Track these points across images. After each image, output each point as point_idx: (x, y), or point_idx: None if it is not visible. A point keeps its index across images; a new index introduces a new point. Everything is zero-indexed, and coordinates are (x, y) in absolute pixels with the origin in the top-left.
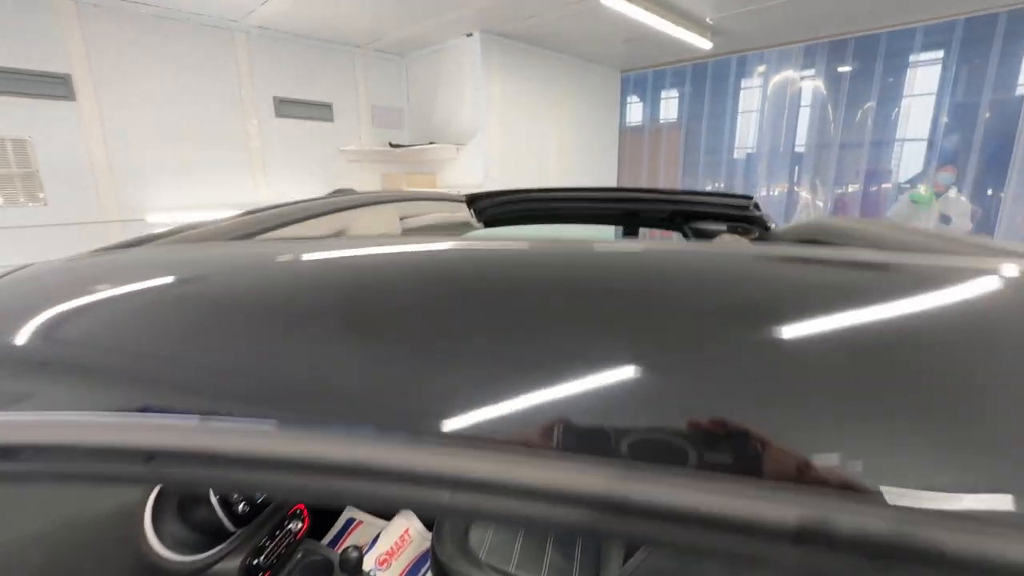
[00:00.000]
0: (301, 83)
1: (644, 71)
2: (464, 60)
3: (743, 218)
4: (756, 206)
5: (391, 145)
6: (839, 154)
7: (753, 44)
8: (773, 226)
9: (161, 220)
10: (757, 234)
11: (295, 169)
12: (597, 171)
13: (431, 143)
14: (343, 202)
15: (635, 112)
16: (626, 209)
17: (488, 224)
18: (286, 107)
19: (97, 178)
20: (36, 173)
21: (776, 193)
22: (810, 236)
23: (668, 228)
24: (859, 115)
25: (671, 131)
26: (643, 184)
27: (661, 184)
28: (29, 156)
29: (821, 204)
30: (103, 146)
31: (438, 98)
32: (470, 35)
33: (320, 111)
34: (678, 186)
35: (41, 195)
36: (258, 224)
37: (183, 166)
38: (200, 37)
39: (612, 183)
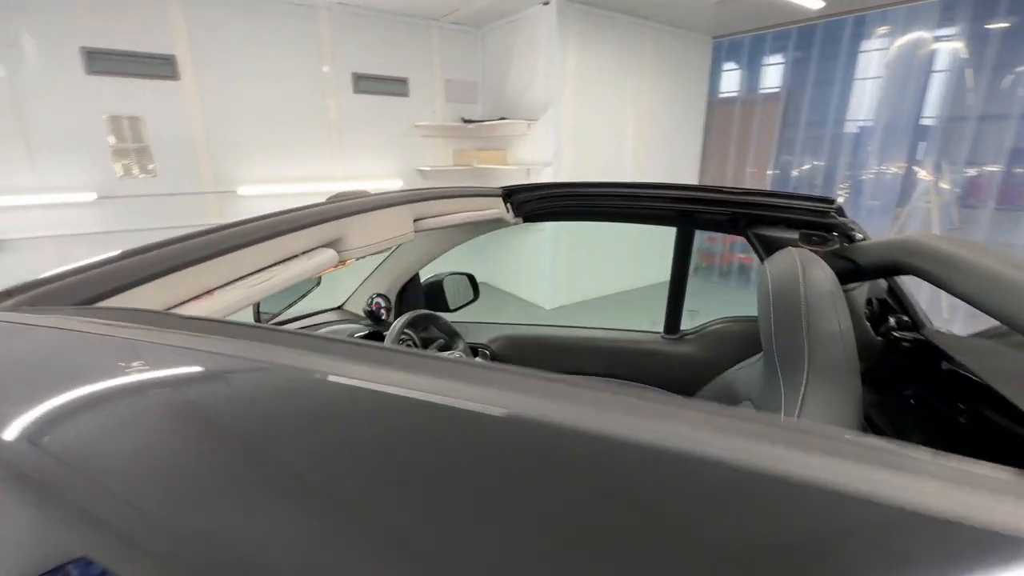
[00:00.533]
0: (378, 58)
1: (740, 36)
2: (540, 30)
3: (820, 225)
4: (839, 211)
5: (463, 120)
6: (977, 128)
7: (876, 1)
8: (860, 237)
9: (250, 192)
10: (836, 245)
11: (370, 145)
12: (678, 147)
13: (502, 118)
14: (332, 210)
15: (727, 82)
16: (680, 209)
17: (527, 220)
18: (364, 83)
19: (197, 152)
20: (148, 148)
21: (890, 174)
22: (899, 259)
23: (728, 232)
24: (1008, 81)
25: (768, 102)
26: (730, 163)
27: (751, 162)
28: (142, 132)
29: (947, 187)
30: (203, 122)
31: (512, 71)
32: (547, 3)
33: (396, 86)
34: (771, 164)
35: (151, 167)
36: (226, 241)
37: (269, 142)
38: (286, 16)
39: (695, 160)
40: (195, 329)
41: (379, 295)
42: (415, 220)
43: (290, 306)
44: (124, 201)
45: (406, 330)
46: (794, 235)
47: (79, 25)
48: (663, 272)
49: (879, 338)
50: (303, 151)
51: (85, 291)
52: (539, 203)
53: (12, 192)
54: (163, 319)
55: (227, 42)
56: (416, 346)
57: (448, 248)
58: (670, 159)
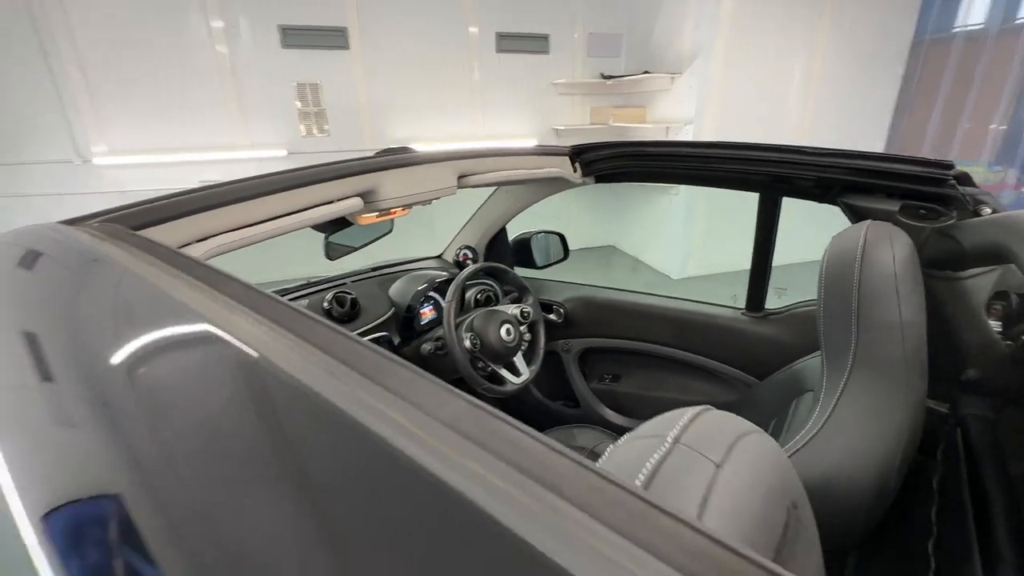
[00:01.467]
0: (520, 16)
1: None
2: None
3: (930, 196)
4: (962, 179)
5: (602, 76)
6: None
7: None
8: (988, 212)
9: None
10: (951, 220)
11: (509, 104)
12: (861, 102)
13: (645, 72)
14: (368, 164)
15: (946, 14)
16: (757, 172)
17: (599, 180)
18: (506, 42)
19: (360, 114)
20: (324, 111)
21: None
22: (1000, 241)
23: (819, 200)
24: None
25: (1004, 38)
26: (936, 119)
27: (967, 116)
28: (320, 97)
29: None
30: (365, 87)
31: (659, 19)
32: None
33: (536, 43)
34: (998, 118)
35: (326, 127)
36: (281, 183)
37: (419, 103)
38: None
39: (883, 117)
40: (184, 269)
41: (467, 247)
42: (460, 176)
43: (361, 247)
44: (306, 157)
45: (478, 281)
46: (894, 206)
47: (278, 5)
48: (815, 249)
49: (1007, 341)
50: (449, 111)
51: (138, 219)
52: (609, 163)
53: (231, 148)
54: (169, 255)
55: (388, 11)
56: (494, 299)
57: (528, 205)
58: (847, 116)
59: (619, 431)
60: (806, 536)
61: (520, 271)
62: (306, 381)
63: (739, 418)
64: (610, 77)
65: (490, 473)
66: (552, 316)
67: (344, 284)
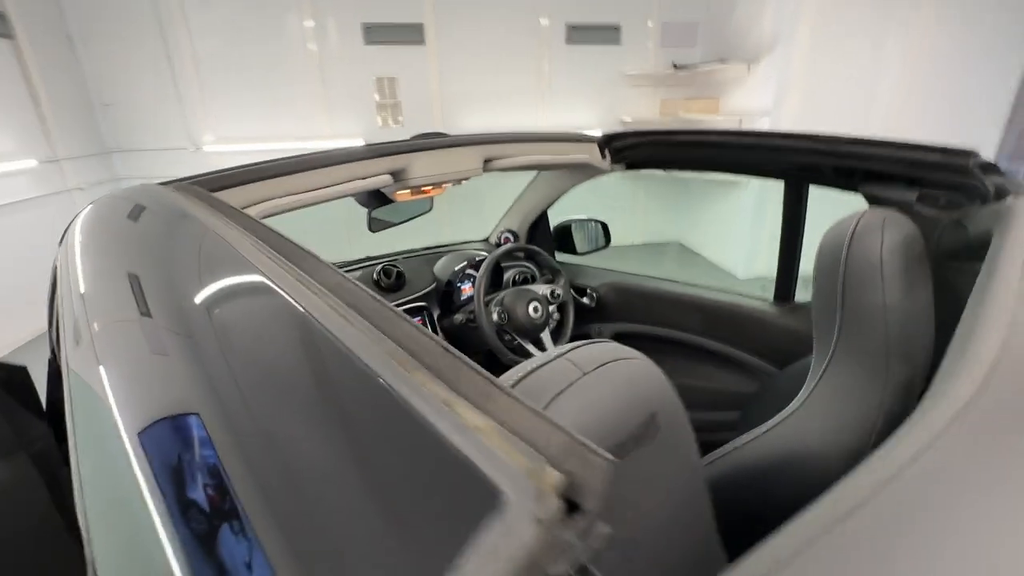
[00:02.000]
0: (592, 7)
1: None
2: None
3: (950, 184)
4: (986, 167)
5: (674, 66)
6: None
7: None
8: (1011, 199)
9: None
10: (969, 208)
11: (576, 96)
12: (967, 93)
13: (721, 61)
14: (402, 146)
15: None
16: (786, 161)
17: (629, 167)
18: (576, 33)
19: (432, 106)
20: (399, 103)
21: None
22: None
23: (843, 188)
24: None
25: None
26: None
27: None
28: (396, 90)
29: None
30: (437, 80)
31: (739, 5)
32: None
33: (607, 34)
34: None
35: (401, 119)
36: (324, 160)
37: (488, 94)
38: None
39: (998, 110)
40: (244, 225)
41: (509, 231)
42: (486, 160)
43: (400, 223)
44: None
45: (517, 263)
46: (912, 195)
47: (362, 4)
48: None
49: None
50: (517, 102)
51: (214, 184)
52: (638, 150)
53: (316, 138)
54: (233, 213)
55: (463, 6)
56: (530, 280)
57: (564, 190)
58: (954, 109)
59: None
60: (665, 445)
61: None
62: (326, 324)
63: (631, 350)
64: (682, 67)
65: (423, 382)
66: (585, 300)
67: (395, 259)
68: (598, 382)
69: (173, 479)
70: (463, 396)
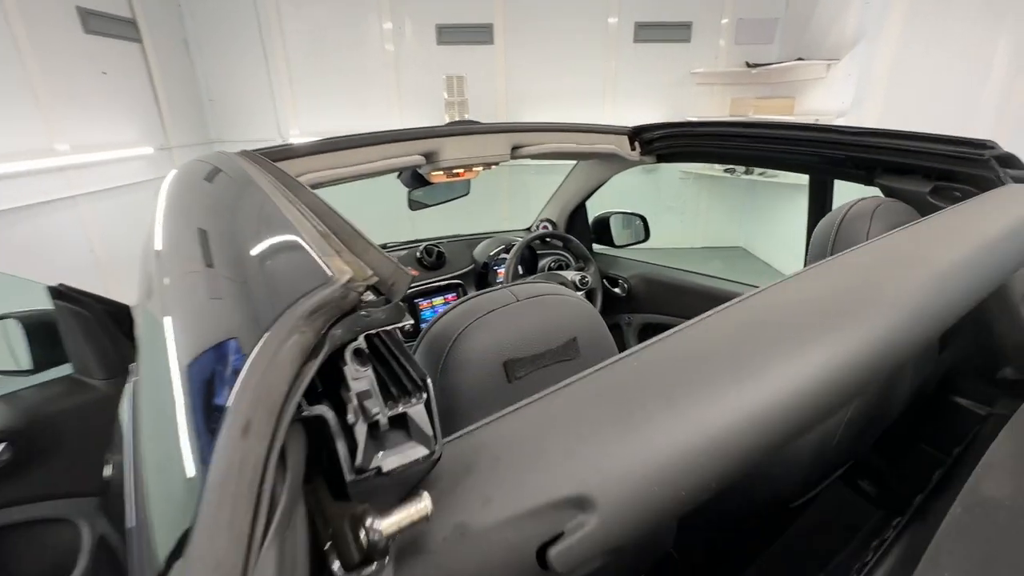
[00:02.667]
0: (664, 4)
1: None
2: None
3: (967, 177)
4: (1005, 160)
5: (747, 65)
6: None
7: None
8: None
9: None
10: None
11: (641, 95)
12: None
13: (799, 59)
14: (435, 130)
15: None
16: (808, 153)
17: (660, 159)
18: (645, 31)
19: (498, 104)
20: (466, 101)
21: None
22: None
23: (863, 181)
24: None
25: None
26: None
27: None
28: (464, 88)
29: None
30: (504, 79)
31: (822, 1)
32: None
33: (677, 32)
34: None
35: (467, 115)
36: (367, 140)
37: (553, 92)
38: None
39: None
40: (295, 191)
41: (547, 220)
42: (514, 147)
43: (436, 204)
44: None
45: (553, 251)
46: (926, 187)
47: (436, 7)
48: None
49: None
50: (581, 100)
51: (276, 155)
52: (666, 142)
53: None
54: (288, 180)
55: (531, 6)
56: (565, 267)
57: (600, 182)
58: None
59: None
60: (586, 365)
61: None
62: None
63: (571, 291)
64: (755, 65)
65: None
66: (617, 290)
67: (438, 241)
68: (529, 309)
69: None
70: (340, 238)
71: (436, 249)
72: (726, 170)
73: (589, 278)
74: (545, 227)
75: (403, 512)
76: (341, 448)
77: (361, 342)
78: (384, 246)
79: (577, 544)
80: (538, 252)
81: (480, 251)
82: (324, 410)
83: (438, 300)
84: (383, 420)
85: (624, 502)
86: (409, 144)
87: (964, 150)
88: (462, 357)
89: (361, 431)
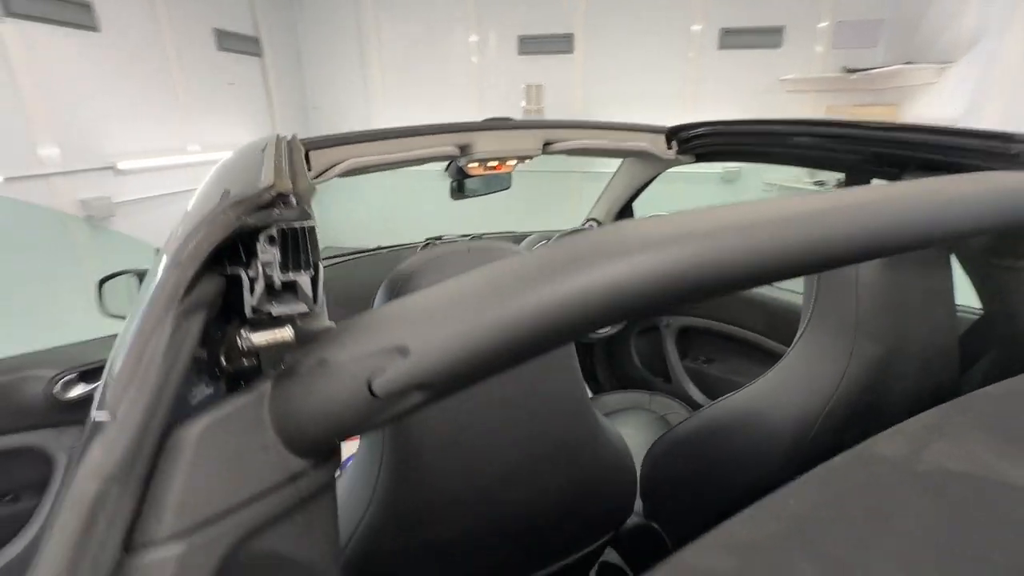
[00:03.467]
0: (752, 9)
1: None
2: None
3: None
4: None
5: (846, 71)
6: None
7: None
8: None
9: None
10: None
11: (726, 103)
12: None
13: (908, 63)
14: (471, 125)
15: None
16: (844, 150)
17: (699, 159)
18: (730, 37)
19: (575, 112)
20: (543, 108)
21: None
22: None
23: (895, 179)
24: None
25: None
26: None
27: None
28: (542, 96)
29: None
30: (582, 87)
31: (935, 1)
32: None
33: (767, 37)
34: None
35: None
36: (396, 132)
37: (631, 100)
38: None
39: None
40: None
41: (593, 219)
42: (545, 143)
43: (476, 195)
44: None
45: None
46: None
47: (518, 19)
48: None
49: None
50: (661, 109)
51: (311, 144)
52: (703, 140)
53: None
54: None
55: (613, 16)
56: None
57: (644, 181)
58: None
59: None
60: None
61: None
62: None
63: (513, 247)
64: (855, 70)
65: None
66: None
67: (487, 235)
68: (477, 256)
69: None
70: (290, 170)
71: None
72: (816, 182)
73: None
74: (591, 226)
75: (269, 333)
76: (246, 294)
77: (273, 231)
78: (439, 238)
79: (393, 376)
80: None
81: (523, 247)
82: (239, 270)
83: None
84: (277, 282)
85: (430, 351)
86: (445, 136)
87: (991, 144)
88: (410, 289)
89: (260, 285)
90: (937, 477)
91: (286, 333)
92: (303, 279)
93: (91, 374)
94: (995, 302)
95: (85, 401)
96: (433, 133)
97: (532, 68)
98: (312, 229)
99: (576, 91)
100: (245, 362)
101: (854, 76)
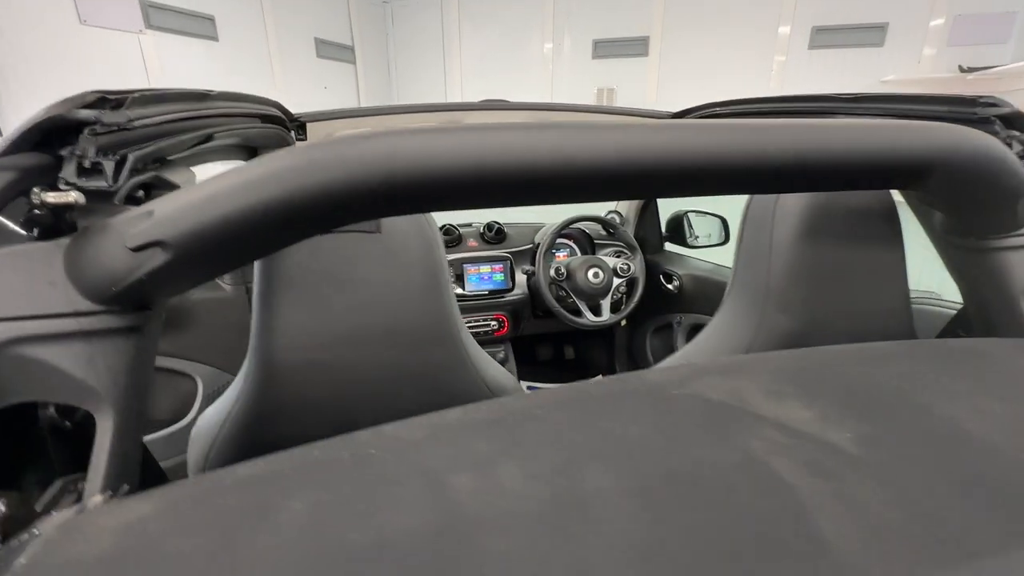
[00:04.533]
0: (849, 5)
1: None
2: None
3: None
4: (1008, 120)
5: (961, 70)
6: None
7: None
8: None
9: None
10: None
11: None
12: None
13: None
14: (475, 105)
15: None
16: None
17: None
18: (824, 36)
19: None
20: None
21: None
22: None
23: None
24: None
25: None
26: None
27: None
28: (614, 99)
29: None
30: (655, 90)
31: None
32: None
33: (867, 35)
34: None
35: None
36: (390, 109)
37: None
38: None
39: None
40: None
41: (615, 212)
42: None
43: None
44: None
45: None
46: None
47: (593, 23)
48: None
49: None
50: None
51: (314, 115)
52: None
53: None
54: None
55: (693, 15)
56: (619, 254)
57: None
58: None
59: None
60: (378, 236)
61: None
62: None
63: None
64: (973, 69)
65: None
66: (670, 286)
67: (508, 223)
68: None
69: None
70: None
71: (497, 225)
72: None
73: (630, 266)
74: (613, 218)
75: (58, 194)
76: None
77: (97, 126)
78: (469, 225)
79: (139, 232)
80: (596, 241)
81: (540, 234)
82: (65, 151)
83: (485, 268)
84: (87, 162)
85: (167, 215)
86: (440, 116)
87: (956, 110)
88: None
89: (72, 163)
90: (686, 401)
91: (71, 196)
92: (108, 163)
93: None
94: (967, 292)
95: None
96: (427, 111)
97: (606, 71)
98: (129, 129)
99: (650, 94)
100: (41, 215)
101: (971, 76)
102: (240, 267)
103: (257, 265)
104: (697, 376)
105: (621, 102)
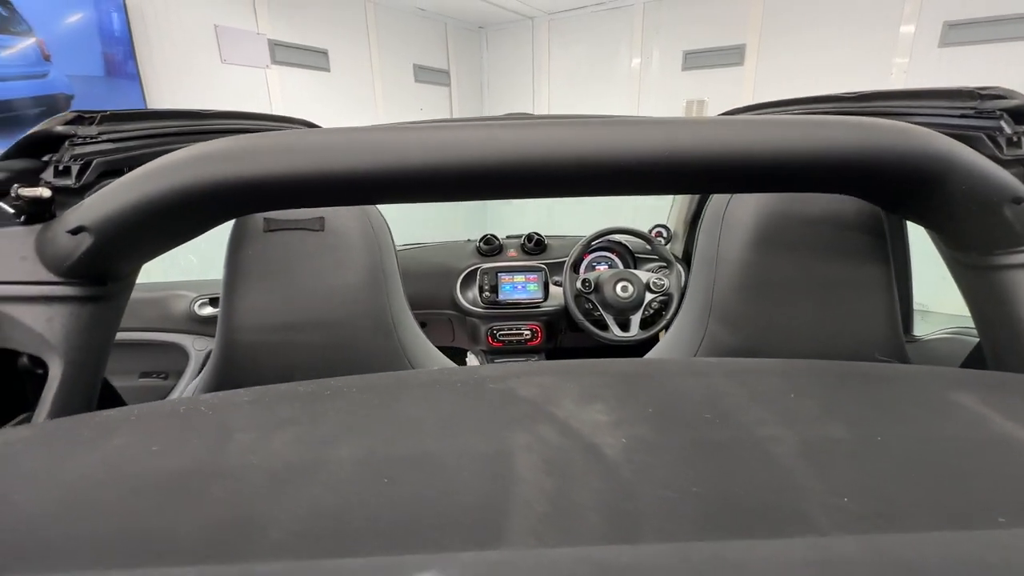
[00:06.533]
0: None
1: None
2: None
3: (968, 140)
4: (1015, 113)
5: None
6: None
7: None
8: None
9: None
10: None
11: None
12: None
13: None
14: (496, 119)
15: None
16: None
17: None
18: (956, 32)
19: None
20: None
21: None
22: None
23: None
24: None
25: None
26: None
27: None
28: (704, 111)
29: None
30: (751, 99)
31: None
32: None
33: (1012, 27)
34: None
35: None
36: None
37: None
38: None
39: None
40: None
41: (661, 225)
42: None
43: None
44: None
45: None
46: None
47: (686, 33)
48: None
49: None
50: None
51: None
52: None
53: None
54: None
55: (797, 22)
56: (627, 262)
57: None
58: None
59: None
60: (322, 235)
61: None
62: None
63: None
64: None
65: None
66: None
67: (549, 236)
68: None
69: None
70: None
71: (537, 237)
72: None
73: (664, 282)
74: (658, 232)
75: (32, 190)
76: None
77: (76, 138)
78: (518, 236)
79: (73, 218)
80: (637, 255)
81: (572, 253)
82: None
83: (519, 278)
84: (60, 166)
85: (92, 205)
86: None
87: (955, 104)
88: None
89: (51, 168)
90: (493, 395)
91: (39, 191)
92: (75, 166)
93: (216, 301)
94: (974, 314)
95: (213, 318)
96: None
97: (696, 83)
98: (98, 141)
99: (744, 104)
100: (20, 205)
101: None
102: (171, 247)
103: (225, 256)
104: (531, 374)
105: (711, 113)
